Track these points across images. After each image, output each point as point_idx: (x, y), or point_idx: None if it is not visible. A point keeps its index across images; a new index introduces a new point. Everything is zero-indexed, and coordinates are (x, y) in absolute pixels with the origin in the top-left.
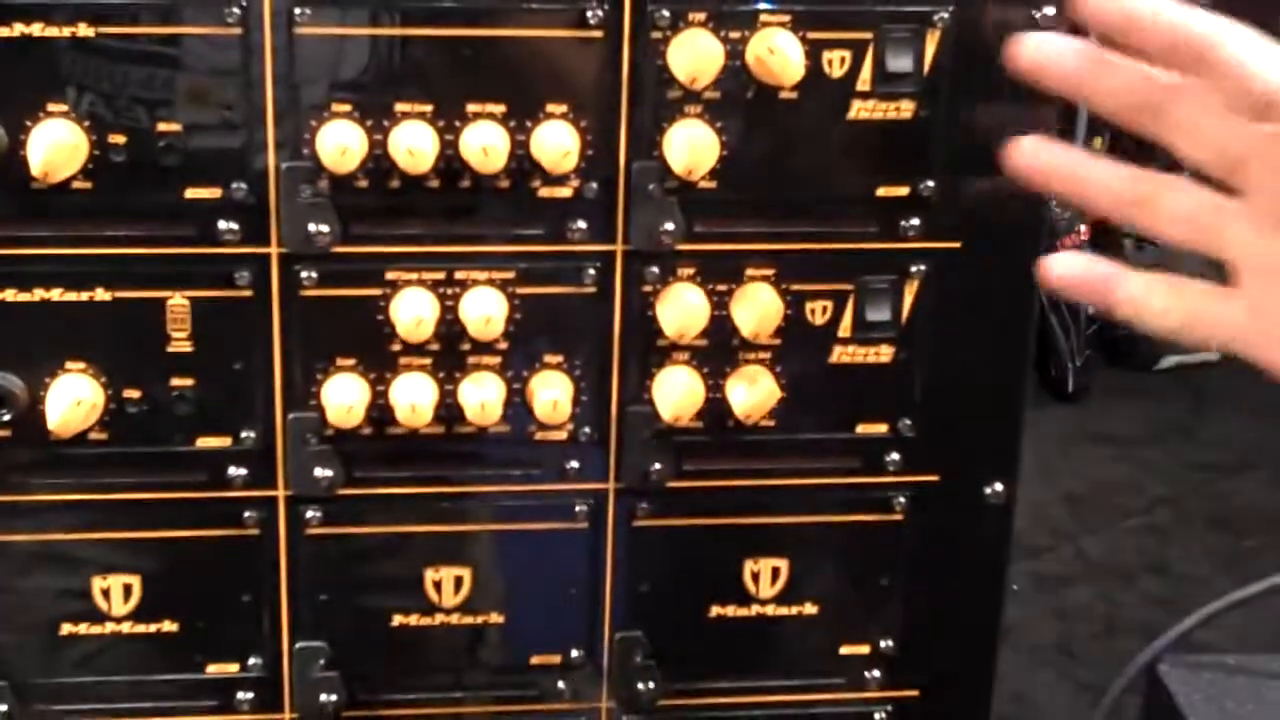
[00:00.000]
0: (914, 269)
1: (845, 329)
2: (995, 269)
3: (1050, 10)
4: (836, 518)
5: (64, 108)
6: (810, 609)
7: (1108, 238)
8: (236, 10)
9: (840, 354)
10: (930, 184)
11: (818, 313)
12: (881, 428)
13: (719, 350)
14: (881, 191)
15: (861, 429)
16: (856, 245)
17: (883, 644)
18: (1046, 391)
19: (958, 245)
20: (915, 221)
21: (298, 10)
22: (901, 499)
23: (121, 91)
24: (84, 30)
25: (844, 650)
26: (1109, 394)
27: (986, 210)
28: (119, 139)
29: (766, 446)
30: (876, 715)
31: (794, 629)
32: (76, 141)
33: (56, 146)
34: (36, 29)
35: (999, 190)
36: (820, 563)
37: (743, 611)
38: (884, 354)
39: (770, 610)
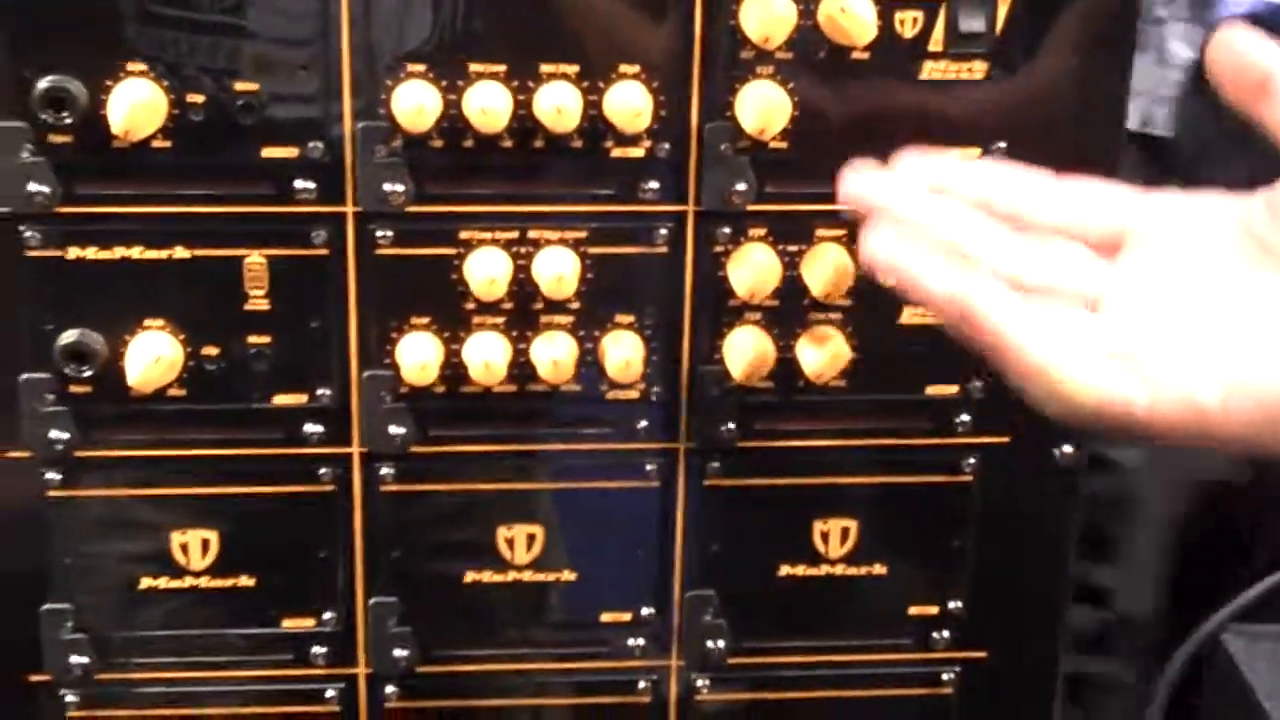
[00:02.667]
0: None
1: None
2: None
3: None
4: (906, 478)
5: (143, 67)
6: (879, 569)
7: None
8: None
9: (911, 315)
10: (1002, 145)
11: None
12: (952, 389)
13: (790, 311)
14: (954, 153)
15: (931, 390)
16: None
17: (951, 605)
18: None
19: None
20: None
21: None
22: (971, 460)
23: (199, 52)
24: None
25: (912, 611)
26: None
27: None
28: (197, 98)
29: (837, 407)
30: (944, 675)
31: (862, 589)
32: (156, 101)
33: (137, 105)
34: None
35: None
36: (889, 523)
37: (812, 571)
38: None
39: (839, 570)
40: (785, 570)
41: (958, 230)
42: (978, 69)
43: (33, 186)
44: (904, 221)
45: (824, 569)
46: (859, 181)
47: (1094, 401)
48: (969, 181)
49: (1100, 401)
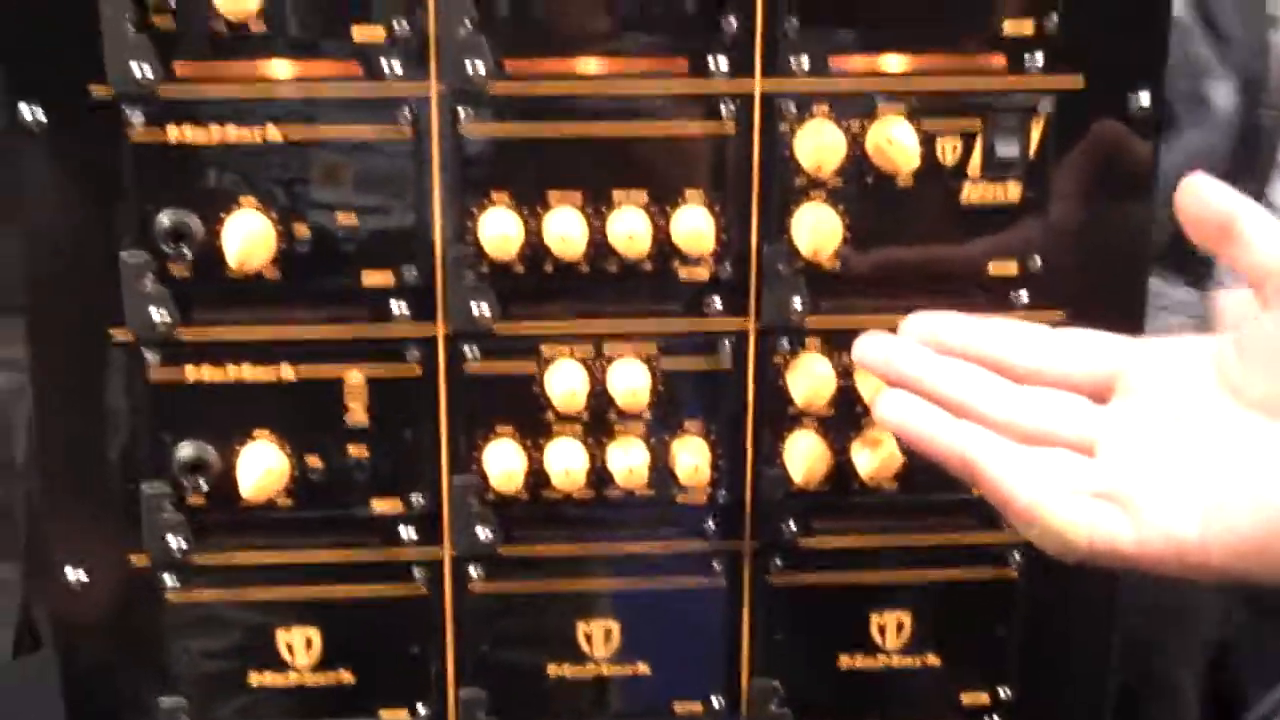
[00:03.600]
0: None
1: None
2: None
3: (1145, 100)
4: (957, 573)
5: (254, 201)
6: (932, 659)
7: None
8: (408, 113)
9: None
10: (1037, 260)
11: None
12: None
13: (844, 417)
14: (993, 268)
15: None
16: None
17: (1001, 693)
18: None
19: (1060, 315)
20: (1023, 293)
21: (461, 111)
22: (1017, 555)
23: (306, 187)
24: (272, 133)
25: (965, 699)
26: None
27: (1089, 282)
28: (303, 230)
29: (889, 507)
30: None
31: (917, 678)
32: (266, 233)
33: (249, 238)
34: (231, 132)
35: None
36: (941, 616)
37: (869, 662)
38: None
39: (895, 661)
40: (845, 661)
41: (960, 387)
42: (1012, 191)
43: (155, 314)
44: (911, 381)
45: (881, 660)
46: (870, 346)
47: (1084, 540)
48: (971, 338)
49: (1091, 540)
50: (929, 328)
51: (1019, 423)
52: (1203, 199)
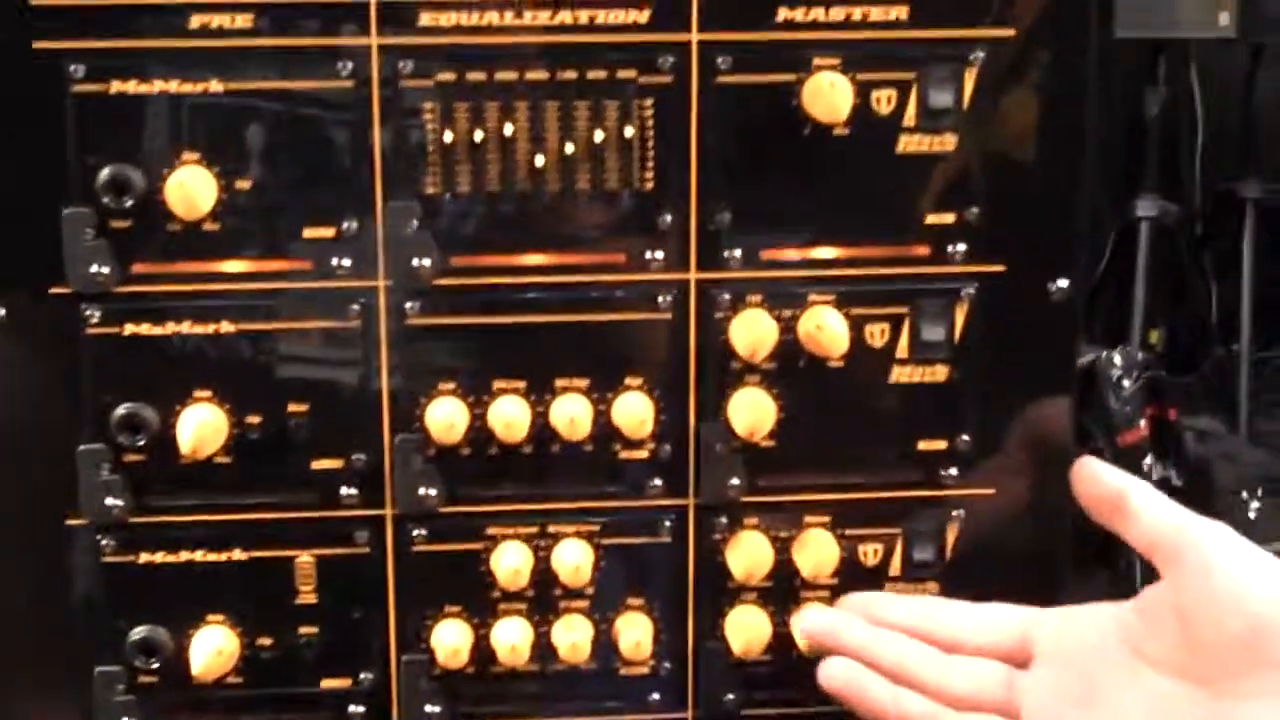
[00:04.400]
0: (954, 514)
1: (895, 568)
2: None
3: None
4: None
5: (208, 393)
6: None
7: (1168, 430)
8: (355, 307)
9: (888, 589)
10: (966, 439)
11: (869, 554)
12: None
13: (783, 590)
14: (922, 445)
15: None
16: (903, 493)
17: None
18: None
19: (990, 491)
20: (954, 471)
21: (408, 304)
22: None
23: (259, 378)
24: (226, 327)
25: None
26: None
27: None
28: (255, 419)
29: None
30: None
31: None
32: (219, 423)
33: (202, 426)
34: (186, 327)
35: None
36: None
37: None
38: (930, 587)
39: None
40: None
41: (896, 655)
42: (941, 373)
43: (108, 501)
44: (853, 650)
45: None
46: (814, 619)
47: None
48: (901, 612)
49: None
50: (864, 603)
51: (949, 688)
52: (1096, 479)
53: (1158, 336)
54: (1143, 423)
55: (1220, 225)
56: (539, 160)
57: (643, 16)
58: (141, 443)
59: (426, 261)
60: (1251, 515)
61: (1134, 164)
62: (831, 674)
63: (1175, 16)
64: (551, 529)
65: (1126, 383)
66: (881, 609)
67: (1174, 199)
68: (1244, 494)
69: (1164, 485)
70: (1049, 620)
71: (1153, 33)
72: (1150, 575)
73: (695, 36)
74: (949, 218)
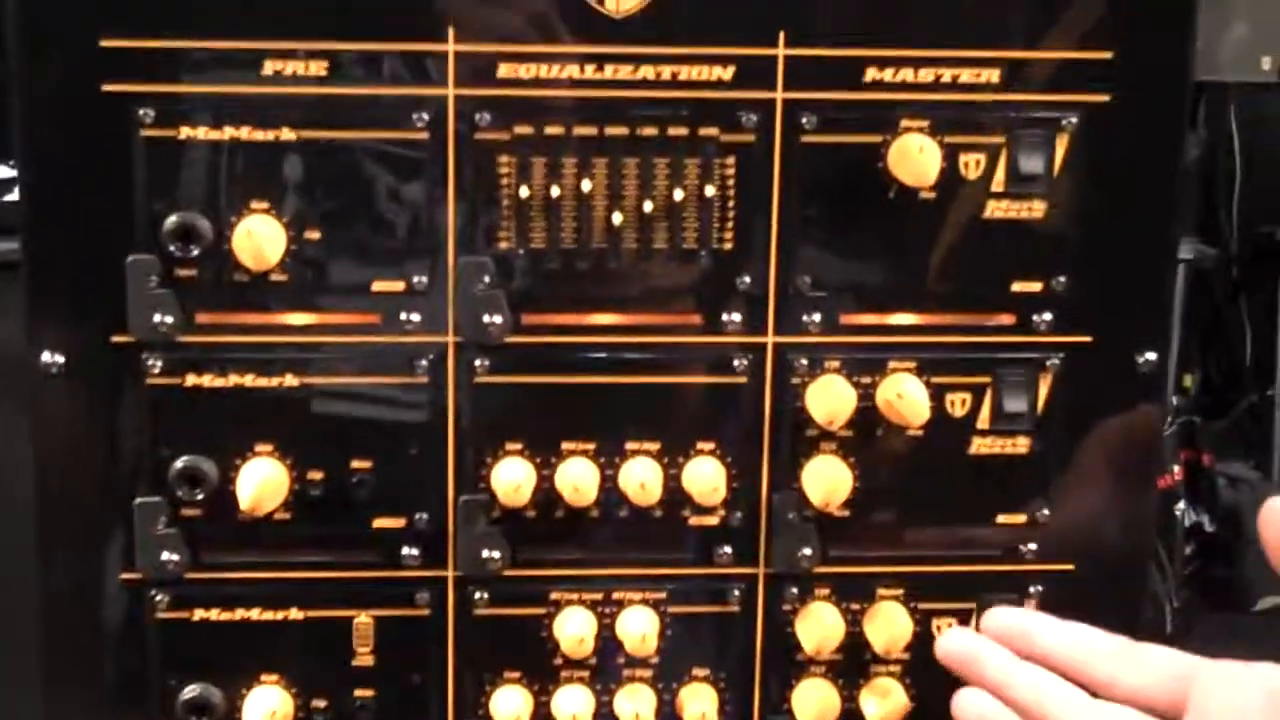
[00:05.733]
0: (1031, 589)
1: None
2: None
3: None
4: None
5: (269, 448)
6: None
7: (1202, 476)
8: (423, 363)
9: None
10: (1045, 513)
11: (943, 629)
12: None
13: (853, 664)
14: (1001, 519)
15: None
16: (980, 567)
17: None
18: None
19: (1070, 567)
20: (1033, 546)
21: (477, 362)
22: None
23: (320, 433)
24: (289, 380)
25: None
26: (1207, 637)
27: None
28: (316, 475)
29: None
30: None
31: None
32: (279, 479)
33: (263, 482)
34: (249, 379)
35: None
36: None
37: None
38: None
39: None
40: None
41: (1039, 695)
42: (1022, 445)
43: (164, 555)
44: (992, 684)
45: None
46: (955, 641)
47: None
48: (1051, 641)
49: None
50: (1014, 624)
51: None
52: None
53: (1192, 381)
54: (1176, 468)
55: (1257, 270)
56: (616, 218)
57: (727, 73)
58: (200, 496)
59: (498, 319)
60: None
61: None
62: (963, 710)
63: (1216, 60)
64: (617, 595)
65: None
66: (1033, 633)
67: (1211, 243)
68: None
69: (1196, 531)
70: (1208, 674)
71: (1194, 75)
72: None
73: (780, 95)
74: (1035, 286)
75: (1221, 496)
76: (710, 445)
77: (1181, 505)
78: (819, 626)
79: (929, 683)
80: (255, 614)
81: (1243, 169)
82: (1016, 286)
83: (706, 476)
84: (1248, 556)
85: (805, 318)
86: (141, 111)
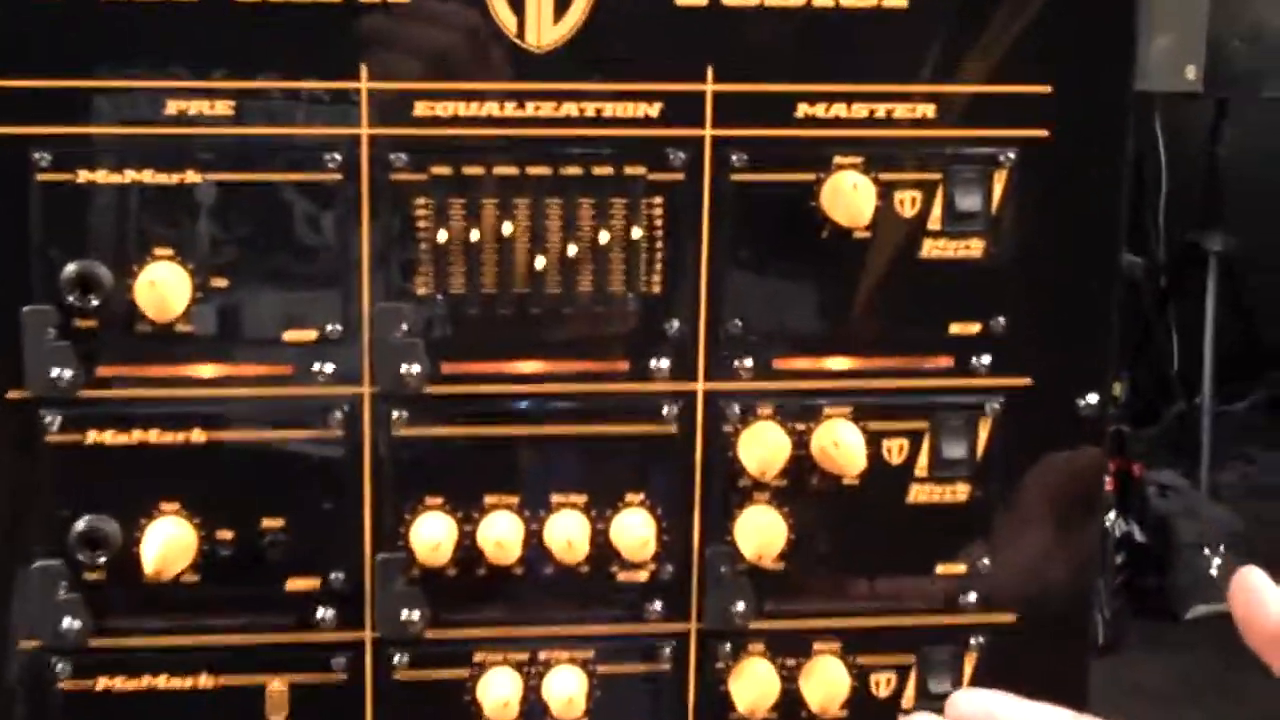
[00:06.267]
0: (972, 641)
1: (908, 699)
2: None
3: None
4: None
5: (175, 507)
6: None
7: (1132, 486)
8: (338, 415)
9: None
10: (986, 563)
11: (882, 684)
12: None
13: None
14: (940, 569)
15: None
16: (919, 620)
17: None
18: None
19: (1012, 618)
20: (973, 597)
21: (395, 413)
22: None
23: (229, 491)
24: (196, 436)
25: None
26: (1139, 646)
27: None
28: (226, 534)
29: None
30: None
31: None
32: (187, 538)
33: (169, 543)
34: (154, 435)
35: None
36: None
37: None
38: None
39: None
40: None
41: None
42: (962, 492)
43: (65, 623)
44: None
45: None
46: (968, 703)
47: None
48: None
49: None
50: (975, 709)
51: None
52: (1263, 603)
53: (1120, 389)
54: (1107, 478)
55: (1183, 278)
56: (539, 262)
57: (653, 109)
58: (102, 559)
59: (415, 368)
60: (1213, 571)
61: None
62: None
63: (1142, 69)
64: (543, 656)
65: None
66: (996, 715)
67: (1138, 251)
68: (1205, 549)
69: (1127, 541)
70: None
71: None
72: None
73: (709, 131)
74: (974, 327)
75: (1152, 506)
76: (639, 497)
77: (1112, 515)
78: (754, 684)
79: None
80: (163, 682)
81: (1168, 178)
82: (954, 328)
83: (635, 530)
84: (1178, 565)
85: (736, 363)
86: (37, 155)
